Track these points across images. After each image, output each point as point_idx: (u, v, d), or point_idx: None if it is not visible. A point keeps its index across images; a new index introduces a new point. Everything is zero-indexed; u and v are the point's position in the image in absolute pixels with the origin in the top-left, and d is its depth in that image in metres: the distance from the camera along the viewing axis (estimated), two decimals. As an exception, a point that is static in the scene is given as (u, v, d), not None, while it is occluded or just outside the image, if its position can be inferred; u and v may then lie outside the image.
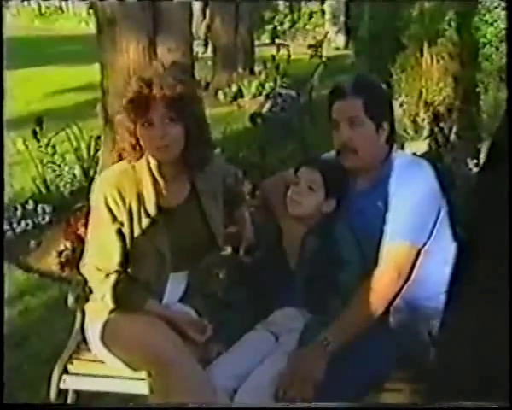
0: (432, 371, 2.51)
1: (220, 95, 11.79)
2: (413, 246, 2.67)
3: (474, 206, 2.48)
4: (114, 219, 2.67)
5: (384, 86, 3.30)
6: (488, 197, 2.12)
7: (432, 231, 2.68)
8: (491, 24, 5.20)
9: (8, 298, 4.35)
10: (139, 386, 2.65)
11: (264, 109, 9.02)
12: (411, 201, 2.67)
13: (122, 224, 2.68)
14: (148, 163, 2.72)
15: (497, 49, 5.49)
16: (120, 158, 2.78)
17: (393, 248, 2.66)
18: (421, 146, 5.89)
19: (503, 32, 5.23)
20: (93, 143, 6.20)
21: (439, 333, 2.62)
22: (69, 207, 5.48)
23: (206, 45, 16.53)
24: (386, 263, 2.66)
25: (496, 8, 5.34)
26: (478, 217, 2.32)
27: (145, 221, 2.69)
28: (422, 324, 2.71)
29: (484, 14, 5.34)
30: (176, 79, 2.64)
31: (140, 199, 2.69)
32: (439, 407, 1.98)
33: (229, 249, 3.08)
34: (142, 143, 2.66)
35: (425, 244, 2.68)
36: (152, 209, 2.70)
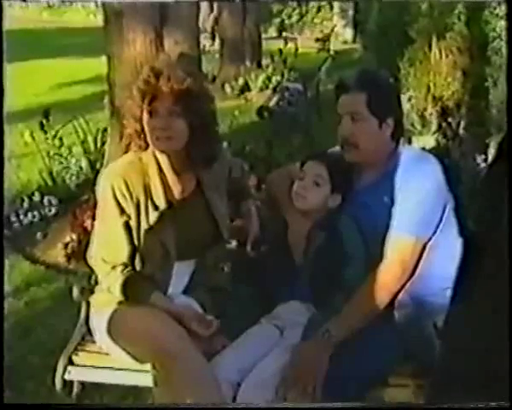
0: (436, 367, 2.51)
1: (227, 88, 11.80)
2: (418, 240, 2.67)
3: (483, 201, 2.47)
4: (122, 211, 2.68)
5: (391, 81, 3.27)
6: (498, 193, 2.12)
7: (437, 226, 2.68)
8: (502, 17, 5.19)
9: (14, 289, 4.41)
10: (144, 378, 2.66)
11: (271, 103, 9.02)
12: (417, 195, 2.67)
13: (129, 216, 2.69)
14: (155, 156, 2.73)
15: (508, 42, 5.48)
16: (127, 148, 2.79)
17: (398, 243, 2.66)
18: (429, 141, 5.89)
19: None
20: (100, 136, 6.21)
21: (444, 328, 2.60)
22: (75, 199, 5.51)
23: (213, 38, 16.52)
24: (390, 257, 2.66)
25: (507, 1, 5.33)
26: (487, 212, 2.32)
27: (152, 214, 2.70)
28: (428, 319, 2.70)
29: (494, 8, 5.32)
30: (186, 72, 2.66)
31: (147, 191, 2.70)
32: (438, 408, 1.98)
33: (234, 243, 3.09)
34: (146, 133, 2.68)
35: (430, 239, 2.68)
36: (159, 202, 2.71)
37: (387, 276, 2.66)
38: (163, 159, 2.73)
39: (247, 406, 2.47)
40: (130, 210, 2.68)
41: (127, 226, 2.69)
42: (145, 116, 2.65)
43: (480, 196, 2.64)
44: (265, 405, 2.48)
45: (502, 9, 5.16)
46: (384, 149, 2.80)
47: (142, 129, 2.68)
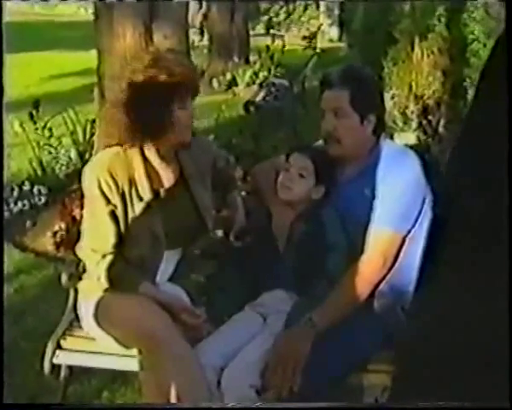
0: (409, 353, 2.55)
1: (215, 83, 11.84)
2: (398, 234, 2.72)
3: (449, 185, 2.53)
4: (108, 201, 2.71)
5: (374, 78, 3.31)
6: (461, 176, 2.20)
7: (417, 219, 2.73)
8: (479, 21, 5.30)
9: (4, 276, 4.42)
10: (130, 363, 2.72)
11: (258, 98, 9.07)
12: (397, 189, 2.72)
13: (115, 206, 2.72)
14: (140, 147, 2.76)
15: (485, 45, 5.61)
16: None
17: (379, 236, 2.71)
18: (410, 138, 5.97)
19: (491, 29, 5.34)
20: (89, 127, 6.25)
21: (412, 309, 2.67)
22: (64, 188, 5.50)
23: (202, 34, 16.55)
24: (372, 250, 2.72)
25: (484, 5, 5.46)
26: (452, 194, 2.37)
27: (138, 204, 2.73)
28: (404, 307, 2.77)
29: (472, 12, 5.44)
30: (177, 64, 2.72)
31: (132, 182, 2.73)
32: (438, 407, 2.02)
33: (220, 233, 3.14)
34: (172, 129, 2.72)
35: (409, 232, 2.72)
36: (144, 192, 2.74)
37: (368, 268, 2.71)
38: (149, 149, 2.76)
39: (241, 406, 2.49)
40: (116, 201, 2.71)
41: (114, 216, 2.73)
42: (171, 114, 2.68)
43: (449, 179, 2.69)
44: (259, 405, 2.51)
45: (479, 13, 5.27)
46: (366, 144, 2.86)
47: (132, 121, 2.70)
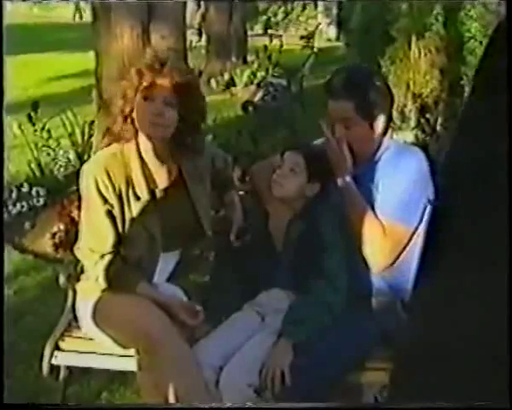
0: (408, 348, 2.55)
1: (213, 83, 11.85)
2: (410, 228, 2.71)
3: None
4: (105, 201, 2.71)
5: (378, 77, 3.24)
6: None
7: (423, 215, 2.69)
8: (476, 19, 5.32)
9: (4, 278, 4.42)
10: (128, 363, 2.72)
11: (256, 98, 9.08)
12: (405, 184, 2.72)
13: (112, 206, 2.72)
14: (137, 146, 2.76)
15: (481, 43, 5.63)
16: (110, 132, 2.83)
17: (393, 230, 2.71)
18: (409, 136, 5.99)
19: (487, 28, 5.36)
20: (87, 128, 6.24)
21: (411, 307, 2.66)
22: (63, 190, 5.47)
23: (200, 34, 16.57)
24: (384, 240, 2.73)
25: (480, 3, 5.49)
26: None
27: (135, 204, 2.73)
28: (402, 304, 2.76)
29: (469, 10, 5.46)
30: (186, 68, 2.77)
31: (129, 182, 2.73)
32: (438, 407, 2.02)
33: (218, 233, 3.14)
34: (136, 116, 2.71)
35: (417, 228, 2.70)
36: (141, 192, 2.74)
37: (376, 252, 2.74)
38: (146, 149, 2.76)
39: (239, 406, 2.50)
40: (113, 200, 2.72)
41: (111, 216, 2.73)
42: (139, 99, 2.68)
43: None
44: (261, 405, 2.52)
45: (476, 11, 5.29)
46: (374, 145, 2.84)
47: (131, 111, 2.71)
